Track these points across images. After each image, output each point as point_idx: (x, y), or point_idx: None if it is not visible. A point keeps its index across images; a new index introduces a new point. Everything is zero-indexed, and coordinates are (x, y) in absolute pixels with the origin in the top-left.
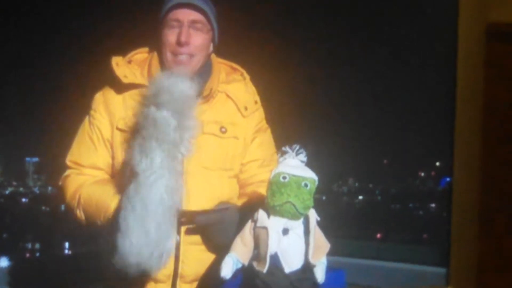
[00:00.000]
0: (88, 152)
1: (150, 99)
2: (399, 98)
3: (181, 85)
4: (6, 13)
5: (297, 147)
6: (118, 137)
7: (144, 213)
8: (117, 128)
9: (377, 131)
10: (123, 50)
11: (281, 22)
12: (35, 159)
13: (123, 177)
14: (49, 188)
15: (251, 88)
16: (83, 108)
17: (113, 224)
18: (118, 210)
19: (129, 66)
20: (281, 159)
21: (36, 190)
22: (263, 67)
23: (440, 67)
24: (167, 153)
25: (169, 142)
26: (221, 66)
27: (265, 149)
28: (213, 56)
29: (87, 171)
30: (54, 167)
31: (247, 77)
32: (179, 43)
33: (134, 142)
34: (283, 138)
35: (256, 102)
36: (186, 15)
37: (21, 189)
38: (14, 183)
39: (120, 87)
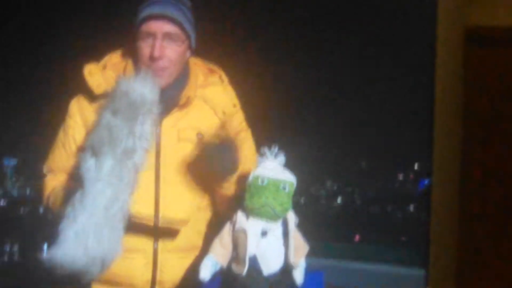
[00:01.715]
0: (61, 158)
1: (107, 104)
2: (378, 101)
3: (140, 90)
4: None
5: (276, 150)
6: None
7: (86, 221)
8: None
9: (355, 134)
10: (99, 52)
11: (261, 22)
12: (13, 162)
13: (76, 182)
14: (28, 190)
15: (230, 91)
16: (62, 111)
17: (58, 229)
18: (65, 215)
19: (104, 73)
20: (260, 159)
21: (14, 192)
22: (243, 68)
23: (419, 70)
24: (119, 161)
25: (121, 150)
26: (198, 68)
27: (244, 149)
28: (190, 58)
29: (60, 176)
30: (33, 169)
31: (225, 79)
32: (152, 58)
33: (86, 149)
34: (262, 140)
35: (234, 106)
36: (159, 27)
37: None
38: None
39: (93, 96)
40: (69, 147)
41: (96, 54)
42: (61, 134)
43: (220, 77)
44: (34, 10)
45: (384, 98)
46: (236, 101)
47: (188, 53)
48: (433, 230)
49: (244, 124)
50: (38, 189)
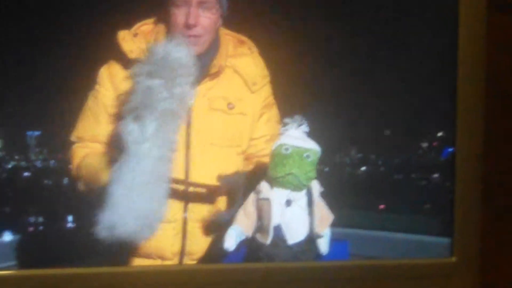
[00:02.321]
0: (91, 126)
1: (144, 68)
2: (400, 68)
3: (177, 54)
4: None
5: (299, 118)
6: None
7: (132, 184)
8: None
9: (379, 102)
10: (128, 22)
11: None
12: (37, 133)
13: (117, 148)
14: (51, 161)
15: (260, 62)
16: (87, 81)
17: (102, 196)
18: (108, 182)
19: (135, 40)
20: (283, 130)
21: (38, 164)
22: (270, 39)
23: (442, 36)
24: (161, 123)
25: (162, 111)
26: (228, 39)
27: (272, 125)
28: (220, 28)
29: (90, 145)
30: (56, 140)
31: (255, 50)
32: (187, 26)
33: (127, 112)
34: (286, 109)
35: (264, 76)
36: None
37: (22, 163)
38: (16, 157)
39: (126, 62)
40: (100, 115)
41: (126, 22)
42: (90, 102)
43: (249, 48)
44: None
45: (406, 65)
46: (266, 71)
47: (219, 22)
48: (457, 198)
49: (271, 98)
50: (64, 159)
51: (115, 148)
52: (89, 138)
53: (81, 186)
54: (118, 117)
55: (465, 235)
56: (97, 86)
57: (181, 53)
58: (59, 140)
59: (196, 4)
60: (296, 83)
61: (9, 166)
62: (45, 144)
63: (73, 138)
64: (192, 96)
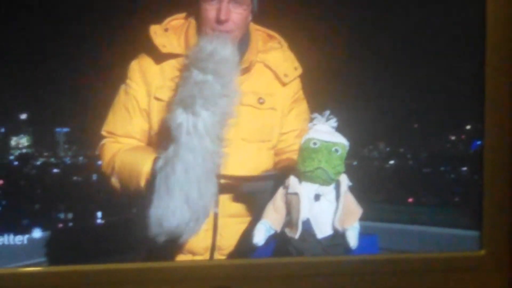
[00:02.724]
0: (123, 121)
1: (194, 63)
2: (429, 63)
3: (224, 50)
4: None
5: (327, 113)
6: (156, 106)
7: (184, 176)
8: (155, 98)
9: (407, 96)
10: (158, 17)
11: None
12: (66, 129)
13: (161, 141)
14: (80, 158)
15: (290, 55)
16: (115, 77)
17: (148, 187)
18: (152, 173)
19: (166, 35)
20: (311, 125)
21: (67, 160)
22: (300, 34)
23: (470, 30)
24: (212, 117)
25: (215, 106)
26: (258, 34)
27: (302, 119)
28: (250, 24)
29: (122, 140)
30: (85, 137)
31: (285, 44)
32: (218, 21)
33: (176, 105)
34: (314, 104)
35: (296, 69)
36: None
37: (52, 159)
38: (45, 153)
39: (157, 56)
40: (132, 110)
41: (157, 17)
42: (122, 97)
43: (279, 42)
44: None
45: (434, 59)
46: (297, 64)
47: (250, 17)
48: (486, 191)
49: (300, 93)
50: (93, 156)
51: (159, 142)
52: (121, 133)
53: (114, 182)
54: (156, 114)
55: (494, 228)
56: (128, 81)
57: (227, 49)
58: (87, 137)
59: (227, 0)
60: (325, 78)
61: (38, 163)
62: (74, 141)
63: (103, 133)
64: (240, 93)
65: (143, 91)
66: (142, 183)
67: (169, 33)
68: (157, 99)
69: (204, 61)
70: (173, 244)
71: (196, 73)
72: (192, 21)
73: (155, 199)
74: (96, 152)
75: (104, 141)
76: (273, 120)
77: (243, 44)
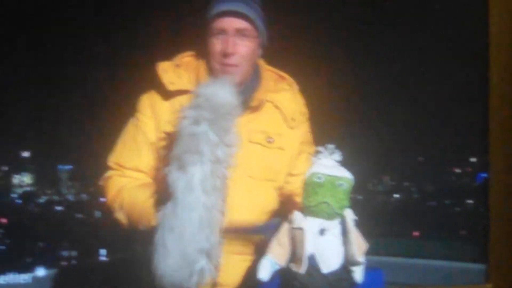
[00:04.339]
0: (132, 155)
1: (190, 112)
2: (432, 96)
3: (223, 96)
4: (53, 13)
5: (332, 147)
6: (165, 141)
7: (182, 235)
8: (164, 132)
9: (411, 129)
10: (168, 53)
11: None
12: (68, 167)
13: (163, 188)
14: (84, 195)
15: (299, 99)
16: (119, 114)
17: (153, 238)
18: (155, 224)
19: (176, 71)
20: (315, 159)
21: (70, 197)
22: (307, 75)
23: (473, 63)
24: (209, 171)
25: (211, 159)
26: (269, 74)
27: (310, 163)
28: (262, 63)
29: (129, 173)
30: (88, 174)
31: (296, 87)
32: (225, 54)
33: (172, 161)
34: (318, 137)
35: (303, 114)
36: (231, 23)
37: (55, 197)
38: (48, 191)
39: (166, 92)
40: (141, 143)
41: (165, 55)
42: (131, 130)
43: (289, 84)
44: (103, 7)
45: (438, 92)
46: (304, 109)
47: (259, 51)
48: (492, 224)
49: (309, 136)
50: (96, 193)
51: (163, 191)
52: (129, 166)
53: (121, 217)
54: (165, 149)
55: (500, 261)
56: (137, 114)
57: (226, 93)
58: (91, 173)
59: (233, 32)
60: (329, 112)
61: (42, 200)
62: (77, 178)
63: (111, 163)
64: (238, 142)
65: (152, 124)
66: (153, 224)
67: (180, 69)
68: (167, 133)
69: (199, 109)
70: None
71: (189, 124)
72: (202, 59)
73: (155, 256)
74: (100, 183)
75: (110, 173)
76: (281, 160)
77: (253, 82)
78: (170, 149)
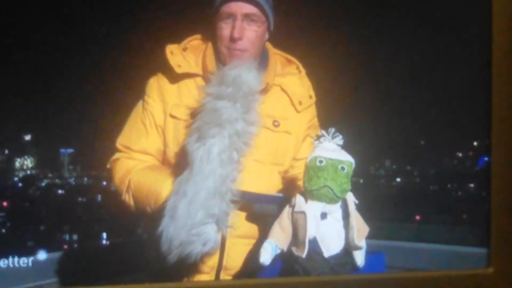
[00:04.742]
0: (140, 137)
1: (215, 88)
2: (434, 79)
3: (248, 77)
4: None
5: (333, 131)
6: (171, 124)
7: (195, 200)
8: (170, 115)
9: (413, 113)
10: (175, 36)
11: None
12: (70, 150)
13: (177, 162)
14: (85, 178)
15: (307, 82)
16: (123, 97)
17: (163, 208)
18: (169, 195)
19: (183, 54)
20: (317, 143)
21: (72, 181)
22: (316, 59)
23: (476, 47)
24: (227, 143)
25: (230, 132)
26: (277, 57)
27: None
28: (269, 46)
29: (137, 156)
30: (90, 157)
31: (303, 70)
32: (232, 39)
33: (193, 131)
34: (321, 122)
35: (310, 97)
36: (239, 8)
37: (56, 180)
38: (50, 175)
39: (174, 75)
40: (149, 126)
41: (170, 38)
42: (139, 112)
43: (297, 67)
44: None
45: (440, 76)
46: (312, 92)
47: (266, 35)
48: (494, 208)
49: (316, 120)
50: (99, 176)
51: (176, 163)
52: (137, 148)
53: (127, 200)
54: (171, 132)
55: (502, 245)
56: (146, 97)
57: (250, 78)
58: (93, 157)
59: (241, 17)
60: (332, 96)
61: (43, 184)
62: (79, 162)
63: (118, 146)
64: (258, 121)
65: (160, 108)
66: (160, 205)
67: (187, 53)
68: (173, 116)
69: (224, 87)
70: (180, 265)
71: (214, 100)
72: (209, 42)
73: (166, 220)
74: (107, 166)
75: (118, 155)
76: (287, 144)
77: (261, 65)
78: (177, 132)
